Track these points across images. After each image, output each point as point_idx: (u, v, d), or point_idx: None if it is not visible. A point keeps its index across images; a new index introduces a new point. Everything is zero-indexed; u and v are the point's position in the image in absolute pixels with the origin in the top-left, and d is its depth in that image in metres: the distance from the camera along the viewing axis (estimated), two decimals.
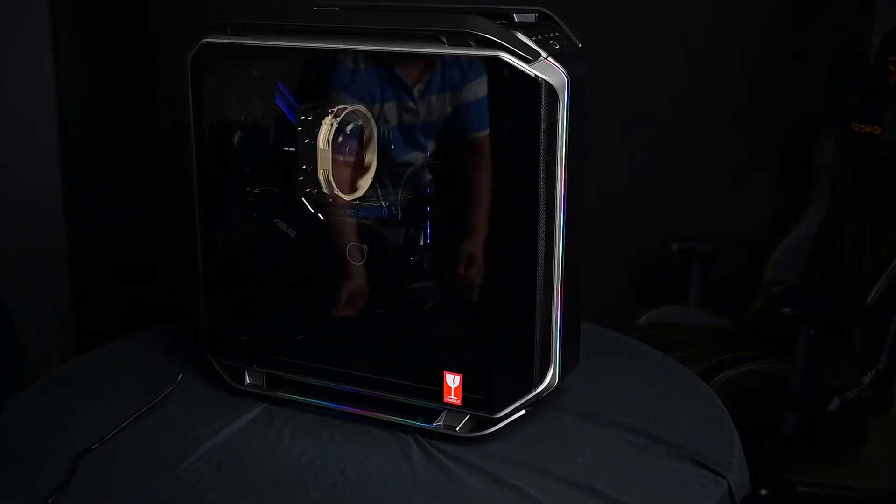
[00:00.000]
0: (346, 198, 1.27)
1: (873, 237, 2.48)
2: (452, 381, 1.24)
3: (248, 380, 1.41)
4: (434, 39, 1.16)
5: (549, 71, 1.15)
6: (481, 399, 1.24)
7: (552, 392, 1.29)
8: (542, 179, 1.17)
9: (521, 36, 1.14)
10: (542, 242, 1.19)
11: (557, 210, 1.19)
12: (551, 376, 1.25)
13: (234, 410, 1.38)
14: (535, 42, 1.16)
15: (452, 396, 1.24)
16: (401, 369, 1.28)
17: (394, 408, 1.30)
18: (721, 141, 2.93)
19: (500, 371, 1.24)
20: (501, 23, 1.18)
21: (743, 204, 2.99)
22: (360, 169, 1.26)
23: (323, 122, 1.26)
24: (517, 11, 1.24)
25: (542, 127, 1.15)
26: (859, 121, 2.56)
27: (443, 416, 1.26)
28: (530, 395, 1.24)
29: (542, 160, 1.16)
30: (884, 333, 2.38)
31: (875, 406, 2.41)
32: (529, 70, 1.13)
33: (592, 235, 2.99)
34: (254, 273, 1.39)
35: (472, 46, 1.14)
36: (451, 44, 1.15)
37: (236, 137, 1.37)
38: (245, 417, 1.36)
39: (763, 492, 2.42)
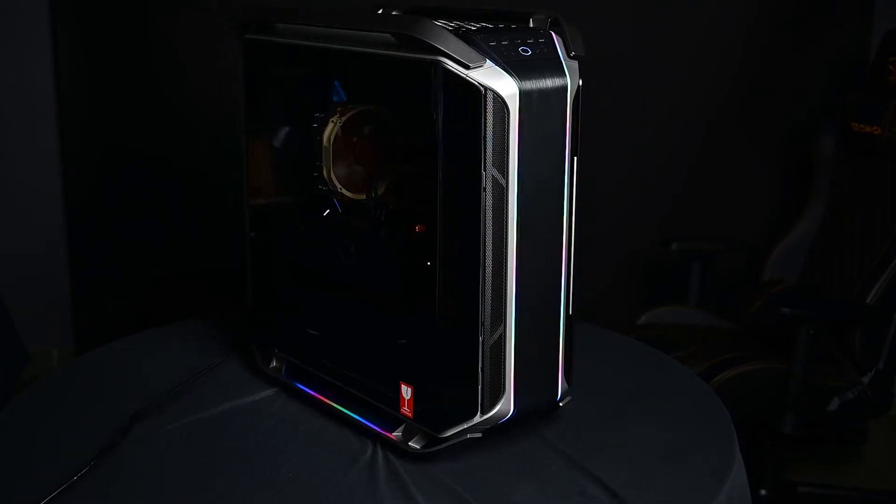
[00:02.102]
0: (354, 197, 1.27)
1: (873, 237, 2.49)
2: (406, 392, 1.21)
3: (273, 363, 1.43)
4: (390, 42, 1.12)
5: (497, 79, 1.08)
6: (428, 416, 1.19)
7: (542, 413, 1.26)
8: (488, 194, 1.10)
9: (463, 41, 1.08)
10: (488, 266, 1.12)
11: (509, 230, 1.13)
12: (503, 405, 1.18)
13: (250, 391, 1.40)
14: (497, 48, 1.10)
15: (406, 408, 1.21)
16: (373, 373, 1.27)
17: (374, 411, 1.29)
18: (721, 141, 2.93)
19: (446, 392, 1.18)
20: (466, 26, 1.15)
21: (743, 204, 3.00)
22: (380, 170, 1.26)
23: (330, 120, 1.26)
24: (534, 15, 1.20)
25: (486, 139, 1.08)
26: (859, 121, 2.56)
27: (402, 426, 1.23)
28: (475, 422, 1.17)
29: (487, 174, 1.09)
30: (884, 333, 2.38)
31: (875, 406, 2.41)
32: (470, 76, 1.07)
33: (592, 235, 3.01)
34: (276, 262, 1.42)
35: (417, 50, 1.09)
36: (404, 47, 1.11)
37: (274, 132, 1.37)
38: (251, 398, 1.38)
39: (763, 492, 2.42)
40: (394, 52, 1.13)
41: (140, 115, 2.97)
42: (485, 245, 1.12)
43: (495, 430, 1.22)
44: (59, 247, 3.10)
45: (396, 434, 1.23)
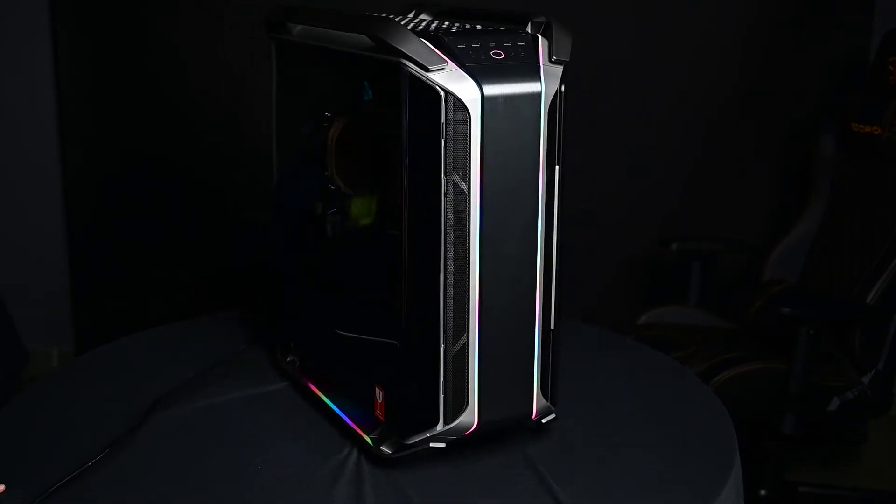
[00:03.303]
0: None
1: (873, 237, 2.49)
2: (378, 395, 1.20)
3: (289, 357, 1.44)
4: (370, 45, 1.12)
5: (458, 82, 1.06)
6: (395, 422, 1.18)
7: (518, 429, 1.24)
8: (449, 200, 1.07)
9: (430, 42, 1.07)
10: (449, 273, 1.10)
11: (472, 237, 1.10)
12: (466, 416, 1.15)
13: (263, 382, 1.43)
14: (465, 50, 1.08)
15: (379, 411, 1.20)
16: (358, 374, 1.27)
17: (361, 412, 1.29)
18: (721, 141, 2.93)
19: (409, 398, 1.16)
20: (446, 27, 1.14)
21: (743, 204, 3.00)
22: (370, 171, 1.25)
23: (336, 119, 1.26)
24: (533, 17, 1.17)
25: (446, 143, 1.07)
26: (859, 121, 2.56)
27: (378, 430, 1.22)
28: (437, 431, 1.15)
29: (447, 179, 1.08)
30: (884, 333, 2.38)
31: (875, 406, 2.41)
32: (430, 79, 1.05)
33: (592, 236, 3.01)
34: (292, 259, 1.44)
35: (387, 52, 1.08)
36: (379, 49, 1.10)
37: (296, 131, 1.38)
38: (260, 389, 1.41)
39: (763, 492, 2.42)
40: (372, 54, 1.12)
41: (140, 116, 2.97)
42: (446, 251, 1.10)
43: (476, 442, 1.20)
44: (59, 247, 3.11)
45: (373, 437, 1.22)
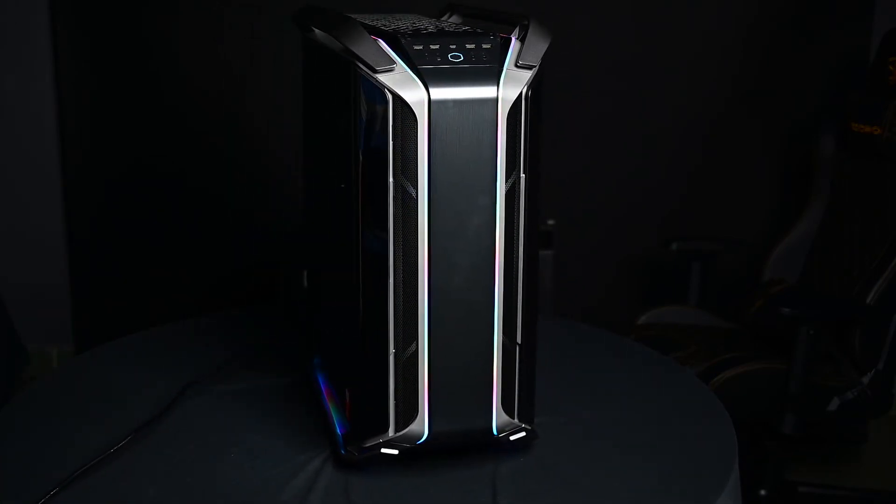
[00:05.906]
0: None
1: (873, 237, 2.48)
2: (347, 396, 1.19)
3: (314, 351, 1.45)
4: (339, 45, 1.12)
5: (405, 84, 1.05)
6: (354, 424, 1.18)
7: (481, 444, 1.19)
8: (397, 203, 1.07)
9: (386, 42, 1.07)
10: (398, 276, 1.09)
11: (420, 243, 1.08)
12: (416, 425, 1.13)
13: (282, 374, 1.45)
14: (421, 52, 1.07)
15: (347, 413, 1.20)
16: (338, 375, 1.28)
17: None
18: (721, 141, 2.93)
19: (365, 402, 1.15)
20: (414, 27, 1.13)
21: (743, 204, 3.00)
22: None
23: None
24: (521, 19, 1.15)
25: (393, 146, 1.06)
26: (859, 121, 2.56)
27: (346, 431, 1.21)
28: (387, 438, 1.14)
29: (395, 183, 1.07)
30: (884, 333, 2.37)
31: (875, 406, 2.41)
32: (378, 80, 1.05)
33: (592, 236, 3.01)
34: (314, 255, 1.44)
35: (346, 51, 1.08)
36: (343, 49, 1.09)
37: (318, 129, 1.37)
38: (275, 381, 1.43)
39: (763, 492, 2.42)
40: (342, 55, 1.12)
41: (140, 116, 2.97)
42: (394, 255, 1.09)
43: (447, 456, 1.18)
44: (59, 247, 3.10)
45: (341, 437, 1.21)
